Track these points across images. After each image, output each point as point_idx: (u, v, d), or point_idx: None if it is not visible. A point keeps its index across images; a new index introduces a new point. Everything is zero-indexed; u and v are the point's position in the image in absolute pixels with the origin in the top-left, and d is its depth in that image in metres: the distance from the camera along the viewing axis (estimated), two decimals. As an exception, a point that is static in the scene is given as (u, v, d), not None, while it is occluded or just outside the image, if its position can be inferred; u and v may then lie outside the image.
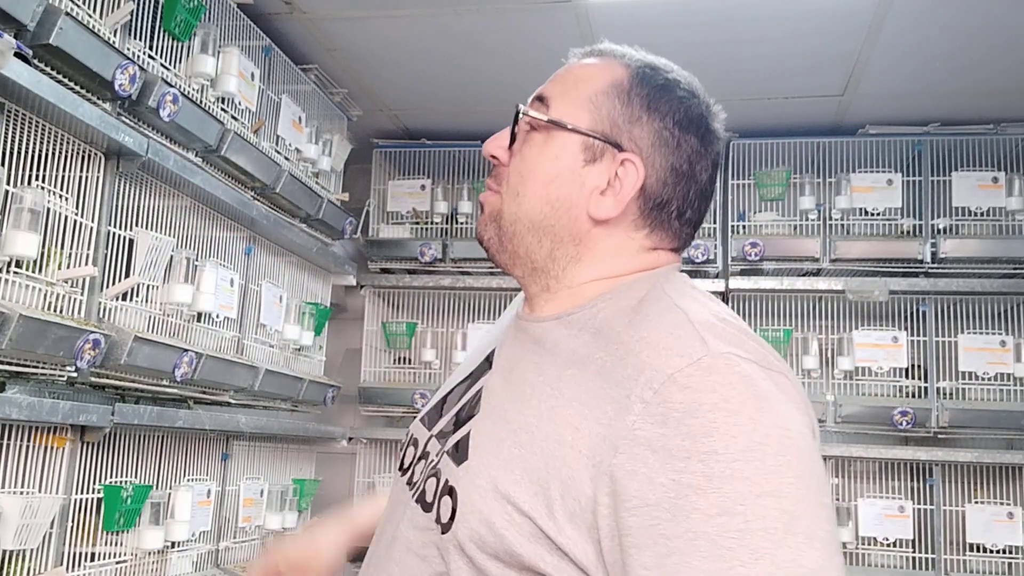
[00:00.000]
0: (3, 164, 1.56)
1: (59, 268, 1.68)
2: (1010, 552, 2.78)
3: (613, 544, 0.74)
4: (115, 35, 1.79)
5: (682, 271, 0.98)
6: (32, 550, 1.63)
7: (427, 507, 0.88)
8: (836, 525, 0.76)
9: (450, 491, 0.86)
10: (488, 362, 0.98)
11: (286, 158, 2.54)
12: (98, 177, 1.79)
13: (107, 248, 1.81)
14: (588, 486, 0.76)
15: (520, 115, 0.96)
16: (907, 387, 2.92)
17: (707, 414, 0.73)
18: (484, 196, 0.98)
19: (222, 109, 2.19)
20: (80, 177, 1.77)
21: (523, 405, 0.86)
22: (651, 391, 0.75)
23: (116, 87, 1.71)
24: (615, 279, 0.93)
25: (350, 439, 3.14)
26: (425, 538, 0.87)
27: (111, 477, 1.89)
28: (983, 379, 2.87)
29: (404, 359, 3.32)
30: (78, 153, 1.75)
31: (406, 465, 0.99)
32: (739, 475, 0.71)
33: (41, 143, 1.66)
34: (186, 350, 1.97)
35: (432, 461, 0.93)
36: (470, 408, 0.94)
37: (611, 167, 0.91)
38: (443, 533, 0.84)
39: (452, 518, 0.84)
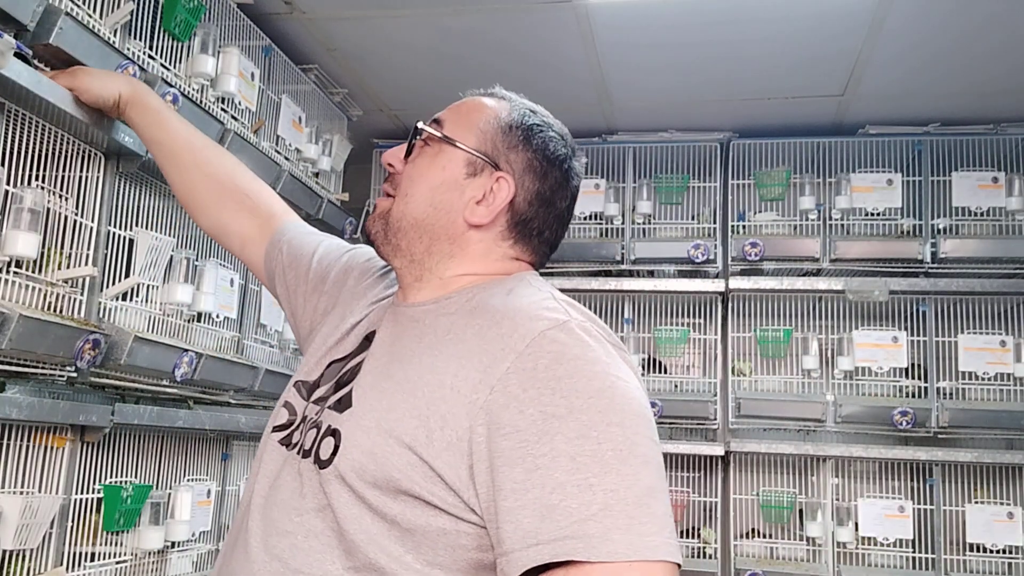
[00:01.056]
0: (3, 164, 1.56)
1: (59, 268, 1.68)
2: (1010, 552, 2.78)
3: (484, 467, 0.88)
4: (115, 35, 1.79)
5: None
6: (32, 550, 1.63)
7: (306, 454, 1.01)
8: (661, 461, 0.91)
9: (333, 433, 0.99)
10: (368, 340, 1.11)
11: (286, 158, 2.54)
12: (98, 177, 1.79)
13: (107, 248, 1.81)
14: (464, 419, 0.90)
15: (418, 130, 1.14)
16: (907, 387, 2.92)
17: (570, 361, 0.90)
18: (379, 200, 1.16)
19: (222, 109, 2.19)
20: (80, 177, 1.76)
21: (406, 364, 1.00)
22: (523, 344, 0.92)
23: (116, 87, 1.71)
24: (482, 276, 1.09)
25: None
26: (304, 479, 0.99)
27: (111, 477, 1.89)
28: (983, 379, 2.87)
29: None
30: (78, 153, 1.75)
31: (280, 425, 1.11)
32: (594, 408, 0.87)
33: (41, 143, 1.66)
34: (186, 350, 1.97)
35: (311, 419, 1.06)
36: (351, 375, 1.07)
37: (488, 182, 1.09)
38: (322, 468, 0.97)
39: (334, 454, 0.97)
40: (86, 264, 1.73)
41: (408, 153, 1.16)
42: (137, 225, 1.92)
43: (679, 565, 0.86)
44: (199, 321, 2.15)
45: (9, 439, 1.62)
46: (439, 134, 1.13)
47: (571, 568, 0.82)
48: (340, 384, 1.07)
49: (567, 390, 0.88)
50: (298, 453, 1.02)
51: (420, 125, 1.15)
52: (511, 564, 0.85)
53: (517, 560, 0.84)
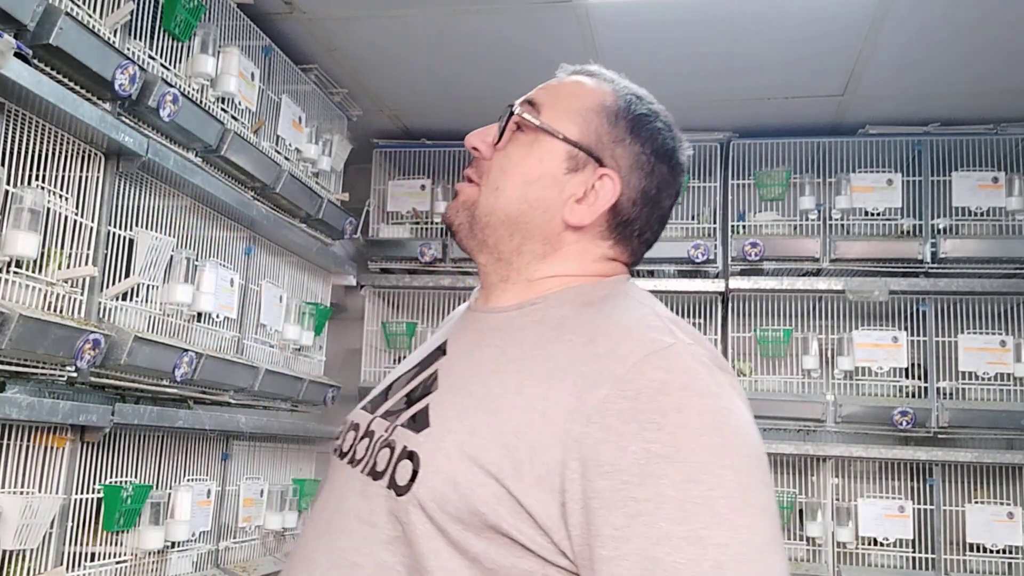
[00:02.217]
0: (3, 164, 1.56)
1: (59, 268, 1.68)
2: (1010, 552, 2.78)
3: (578, 507, 0.79)
4: (115, 35, 1.79)
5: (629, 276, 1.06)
6: (32, 550, 1.63)
7: (378, 475, 0.89)
8: (776, 507, 0.82)
9: (410, 455, 0.87)
10: (442, 350, 1.00)
11: (286, 158, 2.54)
12: (98, 177, 1.79)
13: (107, 248, 1.81)
14: (557, 451, 0.80)
15: (513, 114, 1.00)
16: (907, 387, 2.92)
17: (677, 392, 0.80)
18: (461, 186, 1.03)
19: (222, 109, 2.19)
20: (80, 177, 1.76)
21: (488, 379, 0.89)
22: (623, 368, 0.82)
23: (116, 87, 1.71)
24: (574, 278, 0.99)
25: (350, 439, 3.14)
26: (375, 505, 0.88)
27: (111, 477, 1.89)
28: (983, 379, 2.87)
29: (404, 359, 3.31)
30: (78, 153, 1.75)
31: (345, 449, 0.99)
32: (705, 447, 0.78)
33: (41, 143, 1.66)
34: (186, 350, 1.97)
35: (381, 436, 0.93)
36: (424, 388, 0.95)
37: (590, 179, 0.97)
38: (399, 495, 0.85)
39: (412, 480, 0.85)
40: (86, 264, 1.73)
41: (500, 137, 1.01)
42: (137, 225, 1.92)
43: None
44: (199, 321, 2.15)
45: (9, 439, 1.62)
46: (537, 122, 0.99)
47: None
48: (412, 399, 0.95)
49: (674, 426, 0.78)
50: (367, 473, 0.91)
51: (515, 109, 1.01)
52: None
53: None
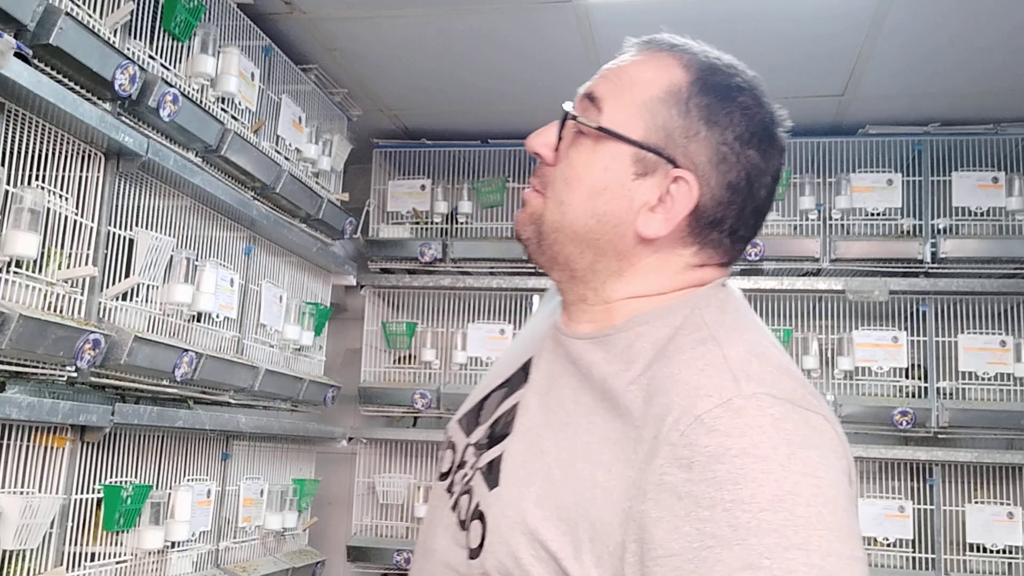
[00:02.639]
0: (3, 164, 1.56)
1: (59, 268, 1.68)
2: (1010, 552, 2.78)
3: None
4: (115, 35, 1.79)
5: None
6: (32, 550, 1.63)
7: (462, 525, 0.88)
8: (861, 546, 0.72)
9: (480, 516, 0.85)
10: (525, 372, 0.94)
11: (286, 158, 2.54)
12: (98, 177, 1.79)
13: (107, 248, 1.81)
14: (617, 531, 0.74)
15: (568, 116, 0.89)
16: (907, 387, 2.92)
17: (734, 459, 0.70)
18: (528, 194, 0.93)
19: (222, 109, 2.19)
20: (80, 177, 1.76)
21: (558, 436, 0.84)
22: (677, 433, 0.73)
23: (116, 87, 1.71)
24: (654, 298, 0.88)
25: (350, 439, 3.14)
26: (459, 558, 0.86)
27: (111, 477, 1.89)
28: (983, 379, 2.87)
29: (404, 359, 3.32)
30: (78, 153, 1.75)
31: (445, 470, 0.97)
32: (766, 526, 0.67)
33: (41, 143, 1.66)
34: (186, 350, 1.97)
35: (467, 475, 0.91)
36: (504, 425, 0.91)
37: (663, 183, 0.85)
38: (471, 558, 0.83)
39: (481, 545, 0.83)
40: (86, 264, 1.73)
41: (562, 144, 0.91)
42: (137, 225, 1.92)
43: None
44: (199, 321, 2.15)
45: (9, 439, 1.62)
46: (595, 125, 0.87)
47: None
48: (493, 436, 0.91)
49: (729, 501, 0.69)
50: (457, 521, 0.89)
51: (570, 111, 0.89)
52: None
53: None
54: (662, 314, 0.86)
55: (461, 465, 0.93)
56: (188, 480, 2.17)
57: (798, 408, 0.75)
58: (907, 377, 2.93)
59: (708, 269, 0.90)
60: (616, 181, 0.86)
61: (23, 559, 1.63)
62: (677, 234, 0.86)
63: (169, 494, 2.06)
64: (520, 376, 0.94)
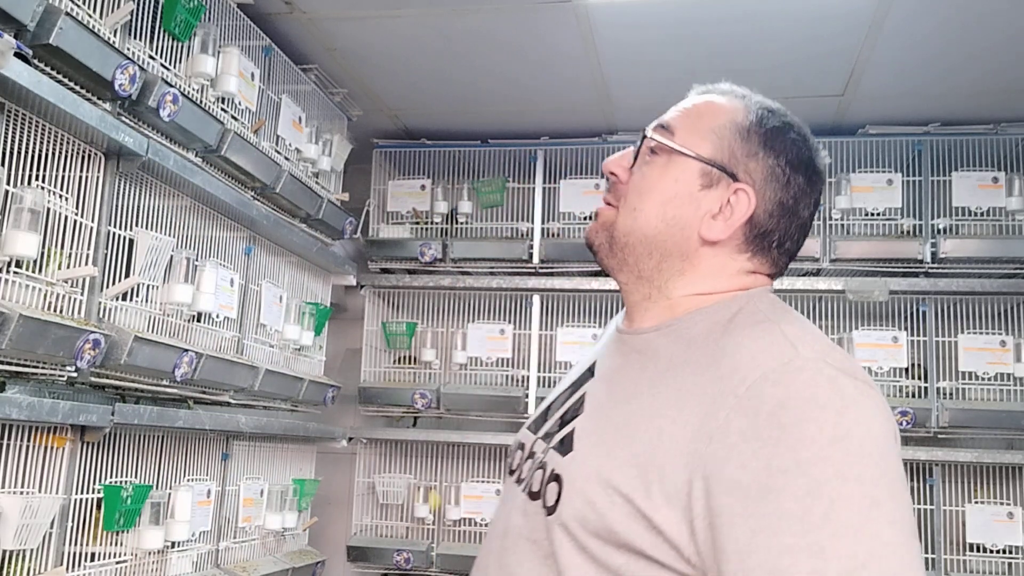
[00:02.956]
0: (3, 164, 1.56)
1: (59, 268, 1.68)
2: (1010, 552, 2.78)
3: (704, 524, 0.82)
4: (115, 35, 1.79)
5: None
6: (32, 550, 1.63)
7: (535, 496, 0.97)
8: (914, 520, 0.82)
9: (556, 478, 0.94)
10: (591, 371, 1.07)
11: (286, 158, 2.54)
12: (98, 177, 1.79)
13: (107, 248, 1.81)
14: (683, 471, 0.84)
15: (646, 138, 1.04)
16: (907, 387, 2.92)
17: (797, 407, 0.81)
18: (601, 208, 1.07)
19: (222, 109, 2.19)
20: (80, 177, 1.76)
21: (625, 405, 0.95)
22: (744, 387, 0.84)
23: (116, 87, 1.71)
24: (712, 295, 1.01)
25: (350, 439, 3.14)
26: (534, 523, 0.95)
27: (111, 477, 1.89)
28: (983, 379, 2.87)
29: (404, 359, 3.32)
30: (78, 153, 1.75)
31: (514, 468, 1.07)
32: (826, 461, 0.78)
33: (41, 143, 1.66)
34: (186, 350, 1.97)
35: (539, 458, 1.01)
36: (574, 410, 1.02)
37: (725, 194, 1.00)
38: (548, 515, 0.93)
39: (557, 501, 0.92)
40: (86, 264, 1.73)
41: (635, 161, 1.06)
42: (137, 225, 1.92)
43: None
44: (199, 321, 2.15)
45: (9, 439, 1.62)
46: (671, 143, 1.02)
47: None
48: (564, 421, 1.02)
49: (794, 441, 0.80)
50: (527, 493, 0.99)
51: (649, 133, 1.05)
52: None
53: None
54: (719, 307, 0.99)
55: (531, 456, 1.04)
56: (188, 480, 2.17)
57: (848, 375, 0.86)
58: (907, 377, 2.93)
59: (758, 276, 1.04)
60: (685, 190, 1.01)
61: (23, 559, 1.63)
62: (734, 241, 1.01)
63: (169, 494, 2.06)
64: (586, 375, 1.07)
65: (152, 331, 1.94)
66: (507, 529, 1.00)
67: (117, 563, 1.88)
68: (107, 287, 1.81)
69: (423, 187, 3.29)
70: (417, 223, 3.32)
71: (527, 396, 3.05)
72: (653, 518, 0.85)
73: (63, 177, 1.74)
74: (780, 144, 1.03)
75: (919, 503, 2.87)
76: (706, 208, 1.00)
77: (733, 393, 0.85)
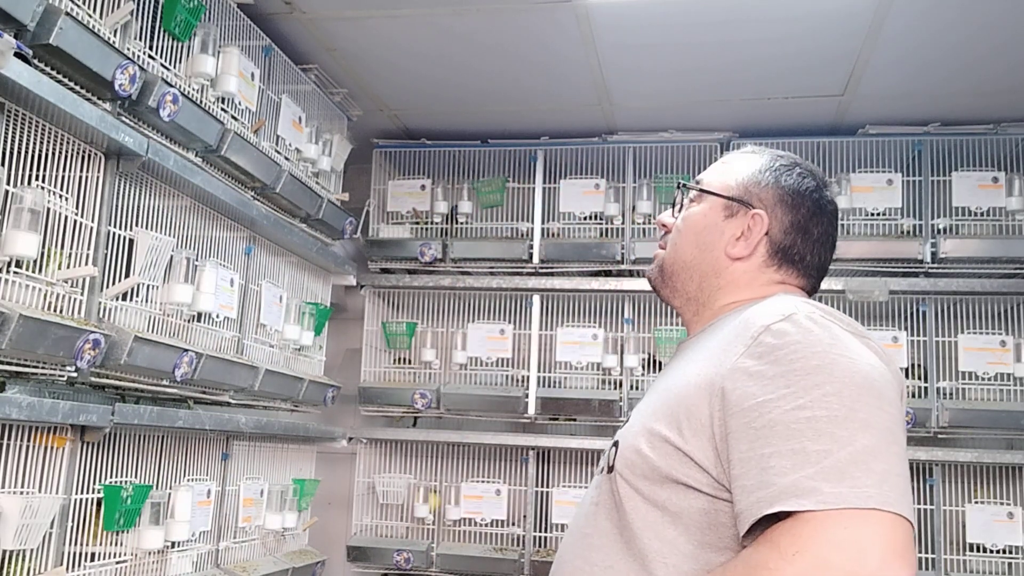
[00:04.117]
0: (3, 164, 1.56)
1: (59, 268, 1.68)
2: (1010, 552, 2.78)
3: (723, 443, 1.02)
4: (115, 35, 1.79)
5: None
6: (32, 550, 1.63)
7: (603, 470, 1.19)
8: (902, 429, 0.99)
9: (615, 444, 1.18)
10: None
11: (286, 158, 2.54)
12: (98, 177, 1.79)
13: (107, 248, 1.81)
14: (705, 407, 1.05)
15: (682, 187, 1.35)
16: (907, 387, 2.92)
17: (790, 345, 1.02)
18: (656, 252, 1.36)
19: (222, 109, 2.19)
20: (80, 177, 1.76)
21: (669, 378, 1.19)
22: (751, 337, 1.06)
23: (116, 87, 1.71)
24: (748, 300, 1.22)
25: (350, 439, 3.14)
26: (602, 489, 1.16)
27: (111, 477, 1.89)
28: (983, 379, 2.87)
29: (404, 359, 3.32)
30: (78, 153, 1.75)
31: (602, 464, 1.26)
32: (810, 381, 0.97)
33: (41, 143, 1.66)
34: (186, 350, 1.97)
35: (615, 440, 1.22)
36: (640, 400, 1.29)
37: (744, 220, 1.25)
38: (609, 472, 1.15)
39: (615, 459, 1.15)
40: (86, 264, 1.73)
41: (681, 209, 1.34)
42: (137, 225, 1.92)
43: (911, 522, 0.90)
44: (199, 321, 2.15)
45: (9, 439, 1.62)
46: (698, 187, 1.31)
47: (790, 520, 0.91)
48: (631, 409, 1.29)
49: (786, 369, 0.99)
50: (602, 474, 1.20)
51: (682, 183, 1.35)
52: (741, 524, 0.97)
53: (743, 520, 0.97)
54: (754, 301, 1.19)
55: (615, 445, 1.21)
56: (188, 480, 2.17)
57: (840, 324, 1.06)
58: (907, 377, 2.93)
59: (788, 286, 1.26)
60: (712, 222, 1.28)
61: (23, 559, 1.63)
62: (758, 256, 1.25)
63: (169, 494, 2.06)
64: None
65: (152, 331, 1.94)
66: (582, 505, 1.22)
67: (117, 563, 1.88)
68: (107, 287, 1.81)
69: (423, 187, 3.29)
70: (417, 223, 3.32)
71: (527, 396, 3.05)
72: (686, 450, 1.04)
73: (63, 177, 1.74)
74: (787, 177, 1.26)
75: (919, 503, 2.87)
76: (730, 233, 1.25)
77: (743, 342, 1.05)
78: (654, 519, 1.07)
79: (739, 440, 0.99)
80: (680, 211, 1.33)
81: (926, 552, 2.83)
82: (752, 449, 0.97)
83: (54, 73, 1.62)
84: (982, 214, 2.92)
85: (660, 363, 3.15)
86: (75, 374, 1.67)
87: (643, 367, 3.10)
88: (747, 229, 1.24)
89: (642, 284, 3.07)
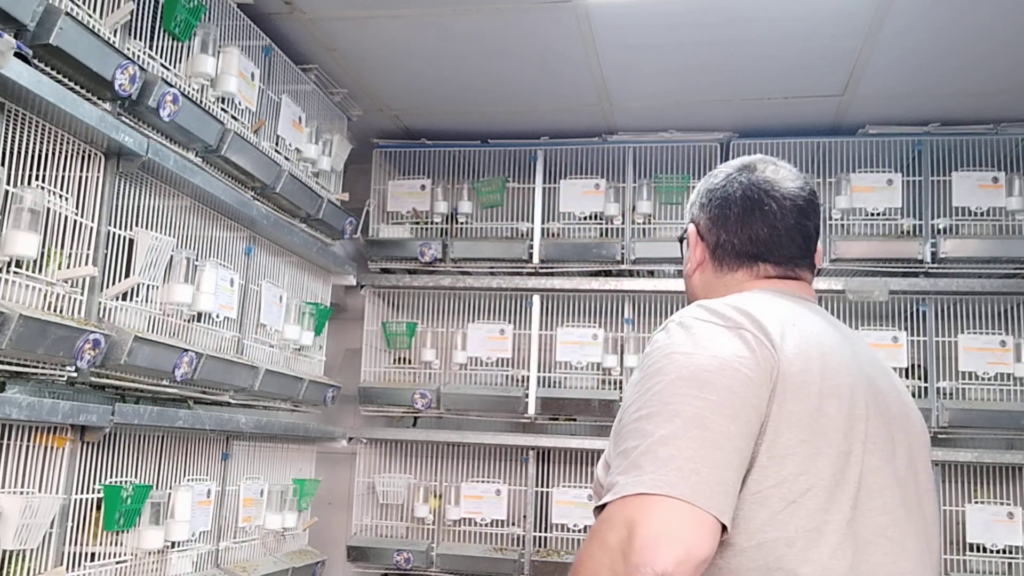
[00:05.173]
0: (3, 164, 1.56)
1: (59, 268, 1.68)
2: (1010, 552, 2.78)
3: None
4: (115, 35, 1.79)
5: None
6: (32, 550, 1.63)
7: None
8: (722, 414, 1.03)
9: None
10: None
11: (286, 158, 2.54)
12: (98, 177, 1.79)
13: (107, 248, 1.81)
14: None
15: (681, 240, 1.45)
16: (907, 387, 2.91)
17: (653, 352, 1.12)
18: None
19: (222, 109, 2.19)
20: (80, 177, 1.76)
21: None
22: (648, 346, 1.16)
23: (116, 87, 1.71)
24: None
25: (350, 439, 3.14)
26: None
27: (111, 477, 1.89)
28: (983, 379, 2.87)
29: (404, 359, 3.32)
30: (78, 153, 1.75)
31: None
32: (650, 383, 1.08)
33: (41, 143, 1.66)
34: (186, 350, 1.97)
35: None
36: None
37: (690, 238, 1.36)
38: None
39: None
40: (86, 264, 1.73)
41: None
42: (137, 225, 1.92)
43: (689, 501, 0.97)
44: (199, 321, 2.15)
45: (9, 439, 1.62)
46: (680, 237, 1.42)
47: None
48: None
49: (642, 376, 1.10)
50: None
51: (680, 238, 1.45)
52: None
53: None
54: None
55: None
56: (188, 480, 2.17)
57: (720, 324, 1.12)
58: (907, 377, 2.93)
59: (754, 283, 1.28)
60: (686, 253, 1.39)
61: (23, 559, 1.63)
62: (717, 263, 1.32)
63: (169, 494, 2.06)
64: None
65: (152, 331, 1.94)
66: None
67: (117, 563, 1.88)
68: (107, 287, 1.81)
69: (423, 187, 3.29)
70: (417, 223, 3.32)
71: (527, 396, 3.05)
72: (613, 460, 1.10)
73: (63, 177, 1.74)
74: (707, 186, 1.34)
75: (919, 503, 2.86)
76: (690, 254, 1.36)
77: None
78: None
79: (617, 435, 1.09)
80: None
81: (926, 552, 2.82)
82: (616, 440, 1.09)
83: (54, 73, 1.62)
84: (982, 214, 2.92)
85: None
86: (75, 374, 1.67)
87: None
88: (691, 244, 1.35)
89: (642, 284, 3.07)
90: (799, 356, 1.11)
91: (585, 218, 3.17)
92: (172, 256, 1.99)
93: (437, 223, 3.29)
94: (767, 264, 1.28)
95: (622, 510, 0.98)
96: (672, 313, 1.19)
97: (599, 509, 1.06)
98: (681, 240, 1.42)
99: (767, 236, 1.27)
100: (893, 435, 1.16)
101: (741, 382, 1.05)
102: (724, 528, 1.00)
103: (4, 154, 1.57)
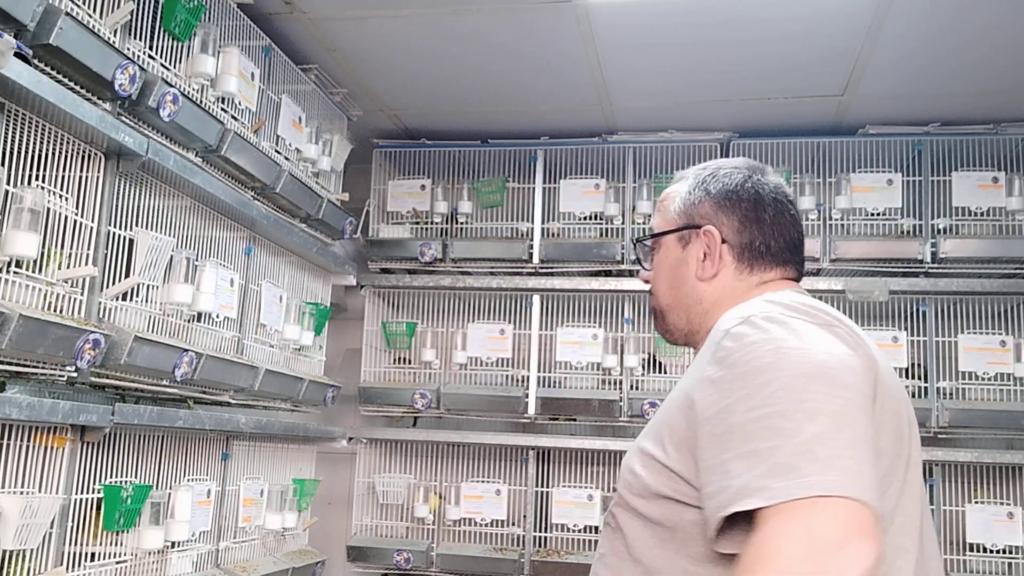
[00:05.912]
0: (3, 164, 1.56)
1: (59, 268, 1.68)
2: (1010, 552, 2.78)
3: (697, 454, 1.02)
4: (115, 35, 1.79)
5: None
6: (32, 550, 1.63)
7: (614, 490, 1.23)
8: (860, 411, 0.97)
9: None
10: None
11: (286, 158, 2.54)
12: (98, 177, 1.79)
13: (107, 248, 1.81)
14: (683, 419, 1.06)
15: (638, 243, 1.39)
16: (907, 387, 2.92)
17: (746, 347, 1.03)
18: (652, 307, 1.39)
19: (222, 109, 2.19)
20: (80, 177, 1.76)
21: (668, 398, 1.20)
22: (715, 343, 1.08)
23: (116, 87, 1.71)
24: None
25: (350, 439, 3.14)
26: (611, 508, 1.19)
27: (111, 477, 1.89)
28: (983, 379, 2.87)
29: (404, 359, 3.32)
30: (78, 153, 1.75)
31: None
32: (762, 380, 0.98)
33: (41, 143, 1.66)
34: (186, 350, 1.97)
35: None
36: None
37: (700, 240, 1.27)
38: (615, 492, 1.19)
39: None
40: (86, 264, 1.73)
41: (645, 261, 1.38)
42: (137, 225, 1.92)
43: (865, 502, 0.89)
44: (199, 321, 2.15)
45: (9, 439, 1.62)
46: (649, 237, 1.35)
47: (753, 525, 0.93)
48: None
49: (741, 372, 1.01)
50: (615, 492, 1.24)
51: (636, 240, 1.43)
52: (708, 531, 0.99)
53: (708, 527, 0.98)
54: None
55: None
56: (188, 480, 2.17)
57: (809, 321, 1.06)
58: (907, 377, 2.93)
59: (772, 284, 1.25)
60: (673, 257, 1.30)
61: (23, 559, 1.63)
62: (729, 267, 1.26)
63: (169, 494, 2.06)
64: None
65: (152, 331, 1.94)
66: (603, 525, 1.24)
67: (117, 563, 1.88)
68: (107, 287, 1.81)
69: (423, 187, 3.29)
70: (417, 223, 3.32)
71: (527, 396, 3.05)
72: (669, 465, 1.06)
73: (63, 177, 1.74)
74: (713, 184, 1.28)
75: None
76: (693, 258, 1.27)
77: (710, 350, 1.08)
78: (650, 535, 1.09)
79: (704, 449, 1.01)
80: (649, 263, 1.36)
81: (926, 552, 2.82)
82: (714, 456, 0.98)
83: (54, 73, 1.62)
84: (982, 214, 2.92)
85: (660, 363, 3.15)
86: (75, 374, 1.67)
87: (643, 367, 3.10)
88: (707, 248, 1.26)
89: (642, 284, 3.07)
90: (878, 354, 1.10)
91: (585, 218, 3.17)
92: (172, 256, 1.99)
93: (437, 223, 3.29)
94: (792, 266, 1.28)
95: (792, 515, 0.89)
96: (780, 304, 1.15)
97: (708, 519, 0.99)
98: (638, 243, 1.38)
99: (797, 238, 1.28)
100: (913, 437, 1.16)
101: (861, 378, 1.02)
102: None
103: (4, 154, 1.57)
